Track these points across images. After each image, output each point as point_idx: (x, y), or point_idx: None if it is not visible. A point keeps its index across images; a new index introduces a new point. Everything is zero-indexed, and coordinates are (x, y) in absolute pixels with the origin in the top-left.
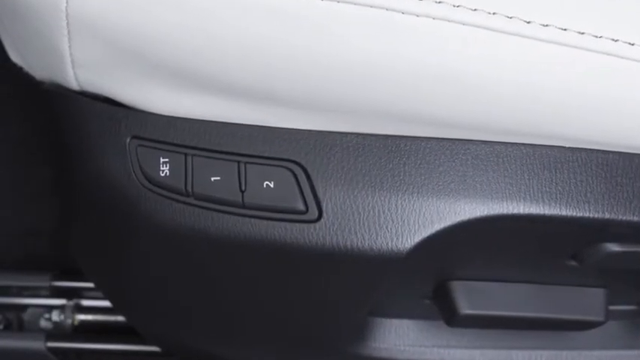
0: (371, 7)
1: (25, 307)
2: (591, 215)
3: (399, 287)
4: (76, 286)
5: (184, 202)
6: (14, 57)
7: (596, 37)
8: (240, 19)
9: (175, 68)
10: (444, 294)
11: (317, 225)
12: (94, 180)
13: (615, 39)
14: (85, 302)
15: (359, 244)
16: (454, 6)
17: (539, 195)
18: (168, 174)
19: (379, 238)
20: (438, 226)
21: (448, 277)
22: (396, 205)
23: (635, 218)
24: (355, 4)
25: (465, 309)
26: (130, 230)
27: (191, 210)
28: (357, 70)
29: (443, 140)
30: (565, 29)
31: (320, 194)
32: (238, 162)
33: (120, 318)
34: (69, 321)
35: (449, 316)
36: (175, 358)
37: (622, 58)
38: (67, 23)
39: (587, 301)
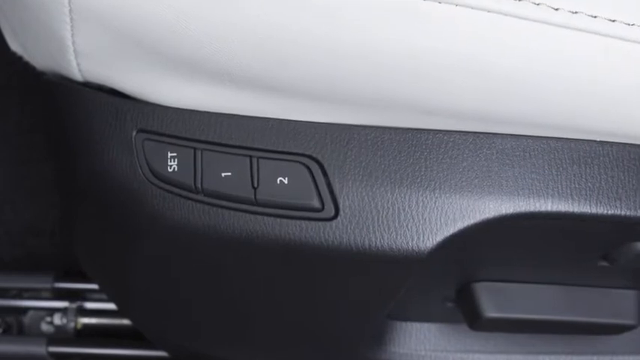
0: None
1: (26, 309)
2: (623, 213)
3: (419, 289)
4: (80, 288)
5: (193, 199)
6: (14, 46)
7: (629, 24)
8: (253, 4)
9: (184, 57)
10: (467, 296)
11: (333, 223)
12: (98, 176)
13: None
14: (89, 305)
15: (378, 243)
16: None
17: (568, 192)
18: (176, 169)
19: (399, 237)
20: (461, 225)
21: (472, 278)
22: (416, 202)
23: None
24: None
25: (490, 312)
26: (136, 229)
27: (200, 207)
28: (375, 59)
29: (466, 134)
30: (595, 17)
31: (337, 191)
32: (250, 157)
33: (125, 321)
34: (72, 324)
35: (472, 319)
36: None
37: None
38: (70, 10)
39: (618, 303)
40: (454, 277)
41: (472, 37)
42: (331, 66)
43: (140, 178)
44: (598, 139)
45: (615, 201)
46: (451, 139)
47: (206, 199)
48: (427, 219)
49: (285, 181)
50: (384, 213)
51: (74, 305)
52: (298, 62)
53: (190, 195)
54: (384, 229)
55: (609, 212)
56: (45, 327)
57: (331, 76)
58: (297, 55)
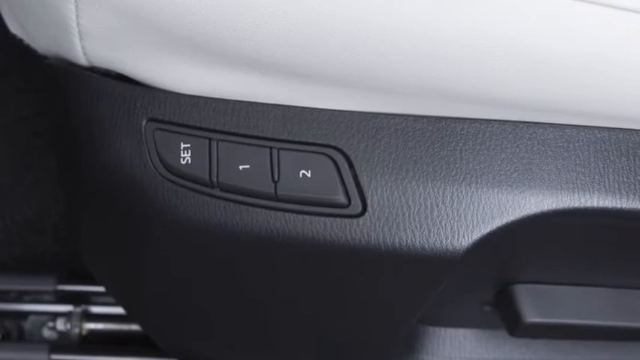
0: None
1: (26, 314)
2: None
3: (454, 291)
4: (84, 291)
5: (208, 194)
6: (14, 28)
7: None
8: None
9: (198, 40)
10: (506, 299)
11: (360, 220)
12: (105, 169)
13: None
14: (95, 309)
15: (409, 242)
16: None
17: (616, 186)
18: (189, 162)
19: (432, 235)
20: (499, 222)
21: (511, 279)
22: (451, 197)
23: None
24: None
25: (531, 316)
26: (147, 226)
27: (216, 203)
28: (406, 42)
29: (505, 123)
30: None
31: (364, 185)
32: (270, 148)
33: (134, 326)
34: (76, 330)
35: (512, 324)
36: None
37: None
38: None
39: None
40: (492, 279)
41: (509, 18)
42: (358, 49)
43: (151, 171)
44: None
45: None
46: (488, 129)
47: (222, 194)
48: (462, 215)
49: (309, 175)
50: (416, 209)
51: (79, 309)
52: (322, 46)
53: (205, 189)
54: (416, 227)
55: None
56: (47, 333)
57: (358, 60)
58: (320, 39)
